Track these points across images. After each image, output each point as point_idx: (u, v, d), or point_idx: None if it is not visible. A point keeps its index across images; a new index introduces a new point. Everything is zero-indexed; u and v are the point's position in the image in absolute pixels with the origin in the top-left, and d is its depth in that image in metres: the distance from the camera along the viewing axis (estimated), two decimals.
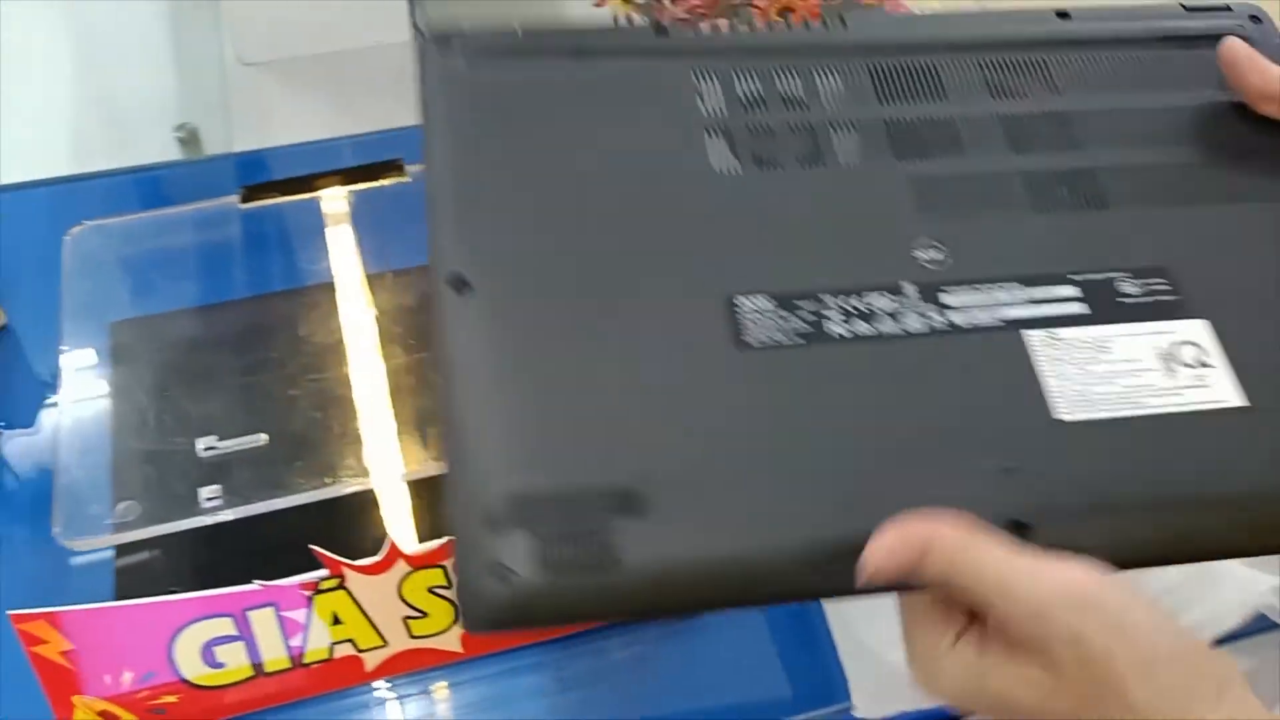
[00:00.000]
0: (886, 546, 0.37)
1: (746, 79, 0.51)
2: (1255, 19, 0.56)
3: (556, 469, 0.40)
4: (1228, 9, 0.56)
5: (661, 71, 0.51)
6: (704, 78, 0.51)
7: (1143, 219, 0.48)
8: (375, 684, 0.70)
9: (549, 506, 0.39)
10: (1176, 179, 0.50)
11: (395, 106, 1.05)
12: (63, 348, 0.75)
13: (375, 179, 0.82)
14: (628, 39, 0.52)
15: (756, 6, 0.72)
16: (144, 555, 0.73)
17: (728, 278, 0.45)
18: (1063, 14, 0.56)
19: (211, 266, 0.83)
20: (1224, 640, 0.65)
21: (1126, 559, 0.39)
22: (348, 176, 0.81)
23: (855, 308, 0.43)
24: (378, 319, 0.78)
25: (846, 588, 0.39)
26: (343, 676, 0.69)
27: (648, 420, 0.41)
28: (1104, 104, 0.52)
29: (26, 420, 0.80)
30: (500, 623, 0.38)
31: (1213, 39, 0.54)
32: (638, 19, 0.53)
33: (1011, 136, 0.51)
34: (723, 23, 0.52)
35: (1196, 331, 0.44)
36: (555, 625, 0.40)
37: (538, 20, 0.53)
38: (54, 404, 0.76)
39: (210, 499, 0.69)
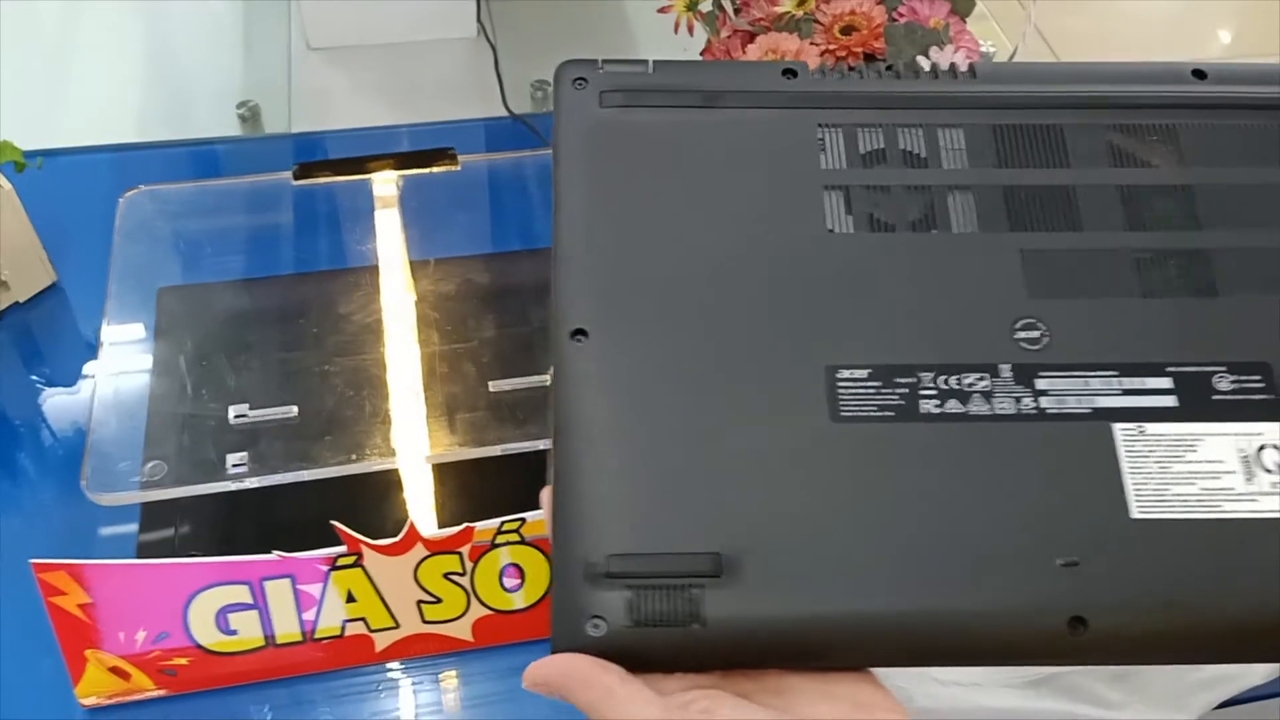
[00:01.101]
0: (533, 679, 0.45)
1: (870, 132, 0.55)
2: None
3: (654, 531, 0.46)
4: None
5: (788, 121, 0.55)
6: (829, 129, 0.55)
7: (1253, 309, 0.51)
8: (384, 666, 0.70)
9: (643, 565, 0.45)
10: None
11: (452, 100, 1.09)
12: (107, 309, 0.76)
13: (427, 165, 0.83)
14: (757, 79, 0.56)
15: (819, 23, 0.72)
16: (168, 518, 0.74)
17: (830, 345, 0.50)
18: (1199, 73, 0.57)
19: (261, 241, 0.88)
20: (1247, 699, 0.67)
21: (1178, 658, 0.40)
22: (400, 161, 0.85)
23: (950, 386, 0.47)
24: (417, 305, 0.80)
25: (904, 660, 0.45)
26: (352, 655, 0.72)
27: (740, 487, 0.47)
28: (1231, 178, 0.54)
29: (68, 379, 0.82)
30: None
31: None
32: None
33: (1129, 210, 0.53)
34: (857, 67, 0.53)
35: None
36: (643, 671, 0.45)
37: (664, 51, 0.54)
38: (95, 364, 0.80)
39: (236, 465, 0.73)
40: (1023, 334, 0.49)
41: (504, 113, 1.11)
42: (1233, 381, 0.49)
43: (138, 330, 0.84)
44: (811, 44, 0.74)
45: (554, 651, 0.44)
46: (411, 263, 0.87)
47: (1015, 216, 0.52)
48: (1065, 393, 0.48)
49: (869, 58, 0.75)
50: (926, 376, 0.48)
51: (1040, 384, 0.48)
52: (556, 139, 0.55)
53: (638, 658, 0.44)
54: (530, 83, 1.15)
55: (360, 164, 0.90)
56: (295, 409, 0.77)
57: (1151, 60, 0.57)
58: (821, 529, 0.46)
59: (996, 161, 0.54)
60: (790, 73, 0.56)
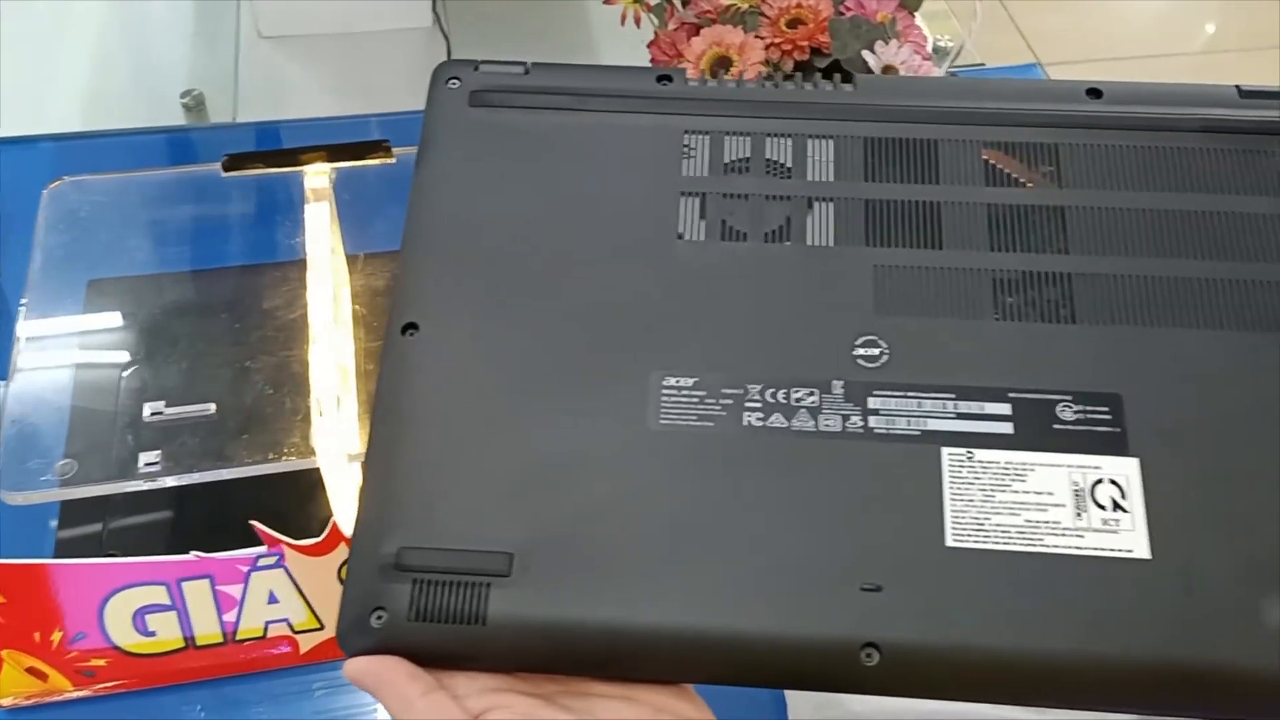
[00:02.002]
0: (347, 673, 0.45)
1: (738, 141, 0.54)
2: None
3: (452, 526, 0.46)
4: None
5: (657, 126, 0.55)
6: (696, 136, 0.54)
7: (1112, 339, 0.49)
8: (310, 668, 0.70)
9: (432, 559, 0.45)
10: (1165, 296, 0.50)
11: (406, 91, 1.09)
12: (23, 302, 0.77)
13: (360, 158, 0.83)
14: (633, 83, 0.56)
15: (765, 16, 0.71)
16: (88, 516, 0.74)
17: (661, 352, 0.49)
18: (1094, 92, 0.56)
19: (188, 233, 0.91)
20: None
21: (975, 696, 0.39)
22: (332, 153, 0.84)
23: (776, 400, 0.45)
24: (345, 300, 0.78)
25: (695, 675, 0.45)
26: (276, 657, 0.71)
27: (546, 488, 0.46)
28: (1108, 201, 0.52)
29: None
30: (371, 654, 0.44)
31: (1271, 132, 0.54)
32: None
33: (995, 230, 0.52)
34: (740, 74, 0.52)
35: (1124, 470, 0.46)
36: (430, 666, 0.45)
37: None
38: (11, 359, 0.82)
39: (149, 464, 0.72)
40: (862, 351, 0.48)
41: None
42: (1076, 411, 0.47)
43: (59, 324, 0.83)
44: (757, 37, 0.73)
45: (338, 641, 0.45)
46: (337, 258, 0.86)
47: (874, 231, 0.51)
48: (896, 413, 0.47)
49: (815, 52, 0.74)
50: (755, 389, 0.48)
51: (872, 403, 0.47)
52: (422, 137, 0.55)
53: (420, 652, 0.44)
54: None
55: (291, 156, 0.90)
56: (213, 406, 0.77)
57: (1047, 80, 0.56)
58: (619, 536, 0.45)
59: (864, 175, 0.53)
60: (666, 79, 0.56)
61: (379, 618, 0.44)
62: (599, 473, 0.46)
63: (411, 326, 0.50)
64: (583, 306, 0.50)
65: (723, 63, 0.72)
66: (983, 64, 1.14)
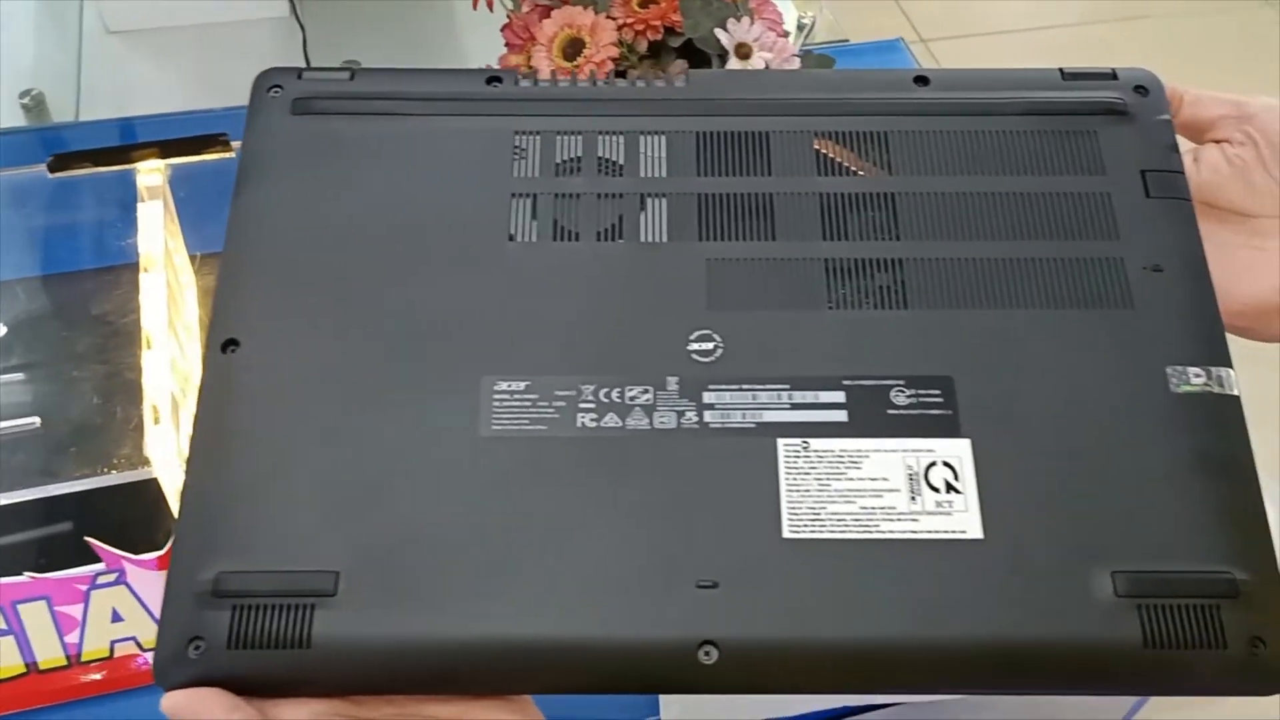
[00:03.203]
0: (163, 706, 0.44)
1: (569, 140, 0.54)
2: (1141, 89, 0.56)
3: (274, 548, 0.44)
4: (1112, 76, 0.57)
5: (487, 129, 0.54)
6: (527, 136, 0.54)
7: (942, 322, 0.50)
8: None
9: (252, 583, 0.44)
10: (993, 277, 0.51)
11: None
12: None
13: (197, 153, 0.80)
14: (461, 85, 0.55)
15: None
16: None
17: (492, 356, 0.48)
18: (921, 79, 0.56)
19: (13, 239, 0.84)
20: None
21: (819, 688, 0.40)
22: (166, 149, 0.80)
23: (610, 399, 0.45)
24: (189, 301, 0.76)
25: (531, 686, 0.44)
26: (128, 676, 0.68)
27: (373, 503, 0.45)
28: (936, 186, 0.53)
29: None
30: (190, 686, 0.43)
31: (1091, 112, 0.55)
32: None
33: (827, 220, 0.52)
34: (566, 72, 0.52)
35: (957, 452, 0.47)
36: (253, 696, 0.44)
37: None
38: None
39: None
40: (696, 346, 0.48)
41: None
42: (910, 396, 0.47)
43: None
44: (609, 17, 0.73)
45: (154, 675, 0.43)
46: (177, 259, 0.83)
47: (707, 225, 0.51)
48: (731, 407, 0.47)
49: (669, 31, 0.74)
50: (588, 389, 0.47)
51: (708, 397, 0.47)
52: (243, 148, 0.53)
53: (243, 681, 0.43)
54: (340, 63, 1.13)
55: (122, 153, 0.87)
56: (38, 420, 0.75)
57: (877, 70, 0.57)
58: (448, 548, 0.44)
59: (697, 169, 0.53)
60: (495, 80, 0.55)
61: (197, 648, 0.43)
62: (428, 484, 0.45)
63: (232, 343, 0.48)
64: (411, 315, 0.49)
65: (575, 45, 0.71)
66: (846, 40, 1.16)
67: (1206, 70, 2.13)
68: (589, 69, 0.69)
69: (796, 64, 0.75)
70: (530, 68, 0.74)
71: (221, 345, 0.48)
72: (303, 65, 1.08)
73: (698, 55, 0.73)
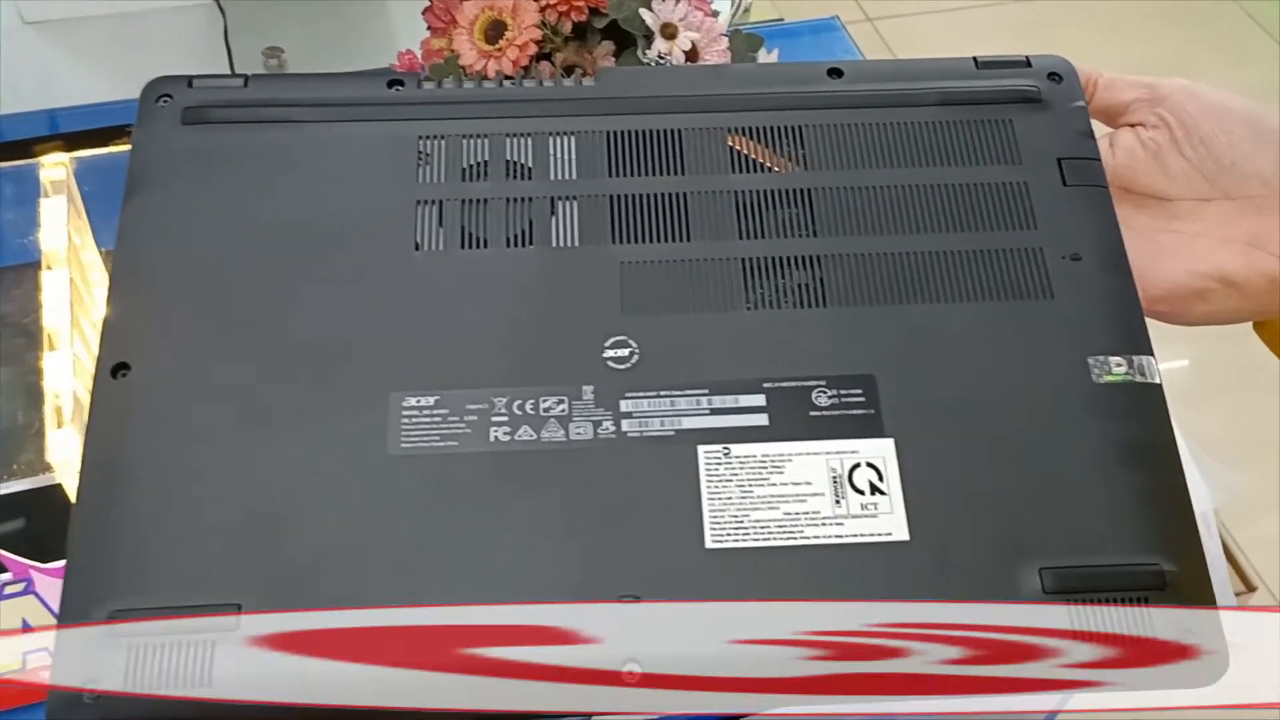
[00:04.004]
0: None
1: (475, 143, 0.52)
2: (1055, 76, 0.56)
3: (171, 582, 0.42)
4: (1026, 64, 0.56)
5: (389, 134, 0.52)
6: (432, 141, 0.52)
7: (861, 319, 0.49)
8: None
9: (146, 621, 0.42)
10: (911, 272, 0.50)
11: (184, 71, 1.02)
12: None
13: (103, 145, 0.77)
14: (362, 90, 0.53)
15: None
16: None
17: (400, 372, 0.47)
18: (835, 71, 0.55)
19: None
20: None
21: (739, 702, 0.39)
22: (70, 142, 0.77)
23: (524, 411, 0.43)
24: (87, 302, 0.74)
25: (453, 712, 0.42)
26: (42, 690, 0.66)
27: (277, 530, 0.43)
28: (853, 180, 0.52)
29: None
30: None
31: (1005, 101, 0.54)
32: None
33: (743, 218, 0.51)
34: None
35: (880, 452, 0.45)
36: None
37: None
38: None
39: None
40: (611, 353, 0.47)
41: None
42: (831, 396, 0.46)
43: None
44: None
45: None
46: (83, 255, 0.80)
47: (620, 228, 0.50)
48: (649, 414, 0.45)
49: (594, 12, 0.73)
50: (500, 402, 0.45)
51: (625, 406, 0.46)
52: (130, 162, 0.51)
53: None
54: (262, 50, 1.09)
55: (23, 148, 0.84)
56: None
57: (790, 63, 0.56)
58: (357, 574, 0.42)
59: (608, 170, 0.51)
60: (397, 83, 0.53)
61: (92, 692, 0.40)
62: (335, 507, 0.43)
63: (122, 367, 0.46)
64: (313, 332, 0.47)
65: (497, 27, 0.70)
66: (781, 20, 1.15)
67: (1155, 47, 2.16)
68: (511, 52, 0.67)
69: (724, 44, 0.74)
70: (452, 51, 0.72)
71: (111, 370, 0.46)
72: (225, 55, 1.07)
73: (624, 37, 0.72)
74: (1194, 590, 0.44)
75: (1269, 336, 0.57)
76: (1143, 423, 0.47)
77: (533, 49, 0.69)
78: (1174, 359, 1.79)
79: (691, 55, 0.73)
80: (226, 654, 0.41)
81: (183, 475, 0.44)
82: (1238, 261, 0.52)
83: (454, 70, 0.73)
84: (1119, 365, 0.48)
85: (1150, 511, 0.45)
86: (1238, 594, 1.36)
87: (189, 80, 0.53)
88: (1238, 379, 0.55)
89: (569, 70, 0.74)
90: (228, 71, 1.07)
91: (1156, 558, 0.44)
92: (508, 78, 0.54)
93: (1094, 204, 0.52)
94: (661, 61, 0.72)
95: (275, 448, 0.45)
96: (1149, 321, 0.51)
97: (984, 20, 2.19)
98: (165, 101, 0.52)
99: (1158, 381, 0.48)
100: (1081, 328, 0.48)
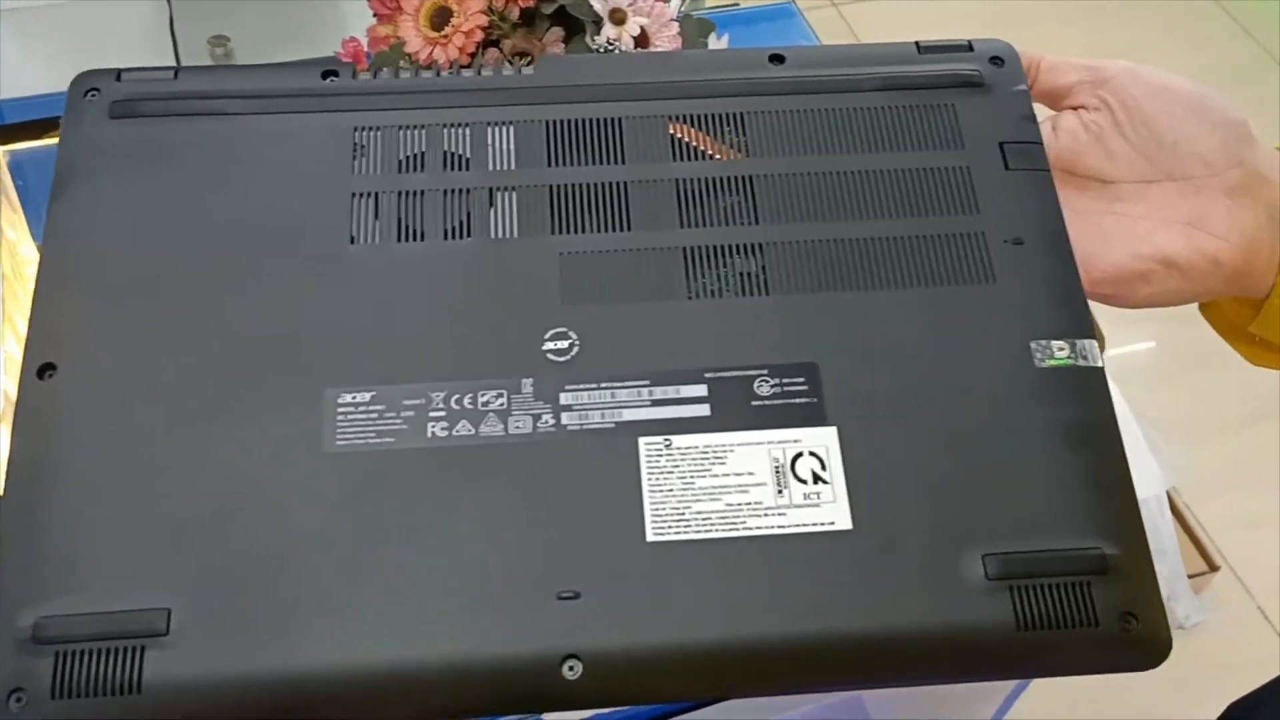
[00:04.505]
0: None
1: (412, 134, 0.51)
2: (997, 60, 0.55)
3: (99, 587, 0.42)
4: (969, 48, 0.56)
5: (324, 126, 0.51)
6: (367, 133, 0.51)
7: (804, 307, 0.48)
8: None
9: (77, 626, 0.41)
10: (853, 258, 0.49)
11: (129, 61, 1.00)
12: None
13: (37, 137, 0.76)
14: (296, 81, 0.52)
15: None
16: None
17: (336, 367, 0.46)
18: (777, 57, 0.55)
19: None
20: None
21: (681, 697, 0.39)
22: (6, 134, 0.76)
23: (462, 406, 0.43)
24: (19, 297, 0.72)
25: (387, 716, 0.42)
26: None
27: (210, 532, 0.43)
28: (794, 167, 0.52)
29: None
30: None
31: (947, 85, 0.54)
32: None
33: (685, 207, 0.51)
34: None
35: (823, 441, 0.45)
36: None
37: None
38: None
39: None
40: (551, 345, 0.46)
41: None
42: (774, 385, 0.46)
43: None
44: None
45: None
46: (22, 249, 0.79)
47: (560, 218, 0.49)
48: (590, 407, 0.45)
49: None
50: (438, 397, 0.45)
51: (565, 398, 0.45)
52: (57, 157, 0.50)
53: None
54: (208, 38, 1.08)
55: None
56: None
57: (732, 50, 0.55)
58: (292, 575, 0.42)
59: (547, 160, 0.51)
60: (332, 74, 0.52)
61: (18, 700, 0.40)
62: (268, 507, 0.43)
63: (49, 368, 0.45)
64: (247, 328, 0.46)
65: (443, 14, 0.69)
66: (736, 4, 1.14)
67: (1122, 34, 2.17)
68: (457, 39, 0.66)
69: (675, 29, 0.73)
70: (398, 39, 0.71)
71: (37, 371, 0.45)
72: (171, 44, 1.05)
73: (572, 22, 0.71)
74: (1136, 573, 0.44)
75: (1214, 318, 0.57)
76: (1085, 406, 0.47)
77: (479, 35, 0.68)
78: (1140, 340, 1.80)
79: (641, 40, 0.73)
80: (156, 659, 0.40)
81: (112, 477, 0.43)
82: (1179, 243, 0.52)
83: (399, 58, 0.73)
84: (1061, 349, 0.48)
85: (1091, 495, 0.45)
86: (1200, 574, 1.38)
87: (117, 74, 0.52)
88: (1201, 358, 0.55)
89: (518, 57, 0.73)
90: (173, 62, 1.06)
91: (1098, 541, 0.44)
92: (464, 67, 0.54)
93: (1036, 188, 0.52)
94: (611, 47, 0.72)
95: (207, 447, 0.44)
96: (1118, 308, 0.51)
97: (952, 7, 2.18)
98: (93, 95, 0.51)
99: (1099, 365, 0.48)
100: (1023, 312, 0.48)
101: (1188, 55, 2.13)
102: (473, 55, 0.69)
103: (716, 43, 0.79)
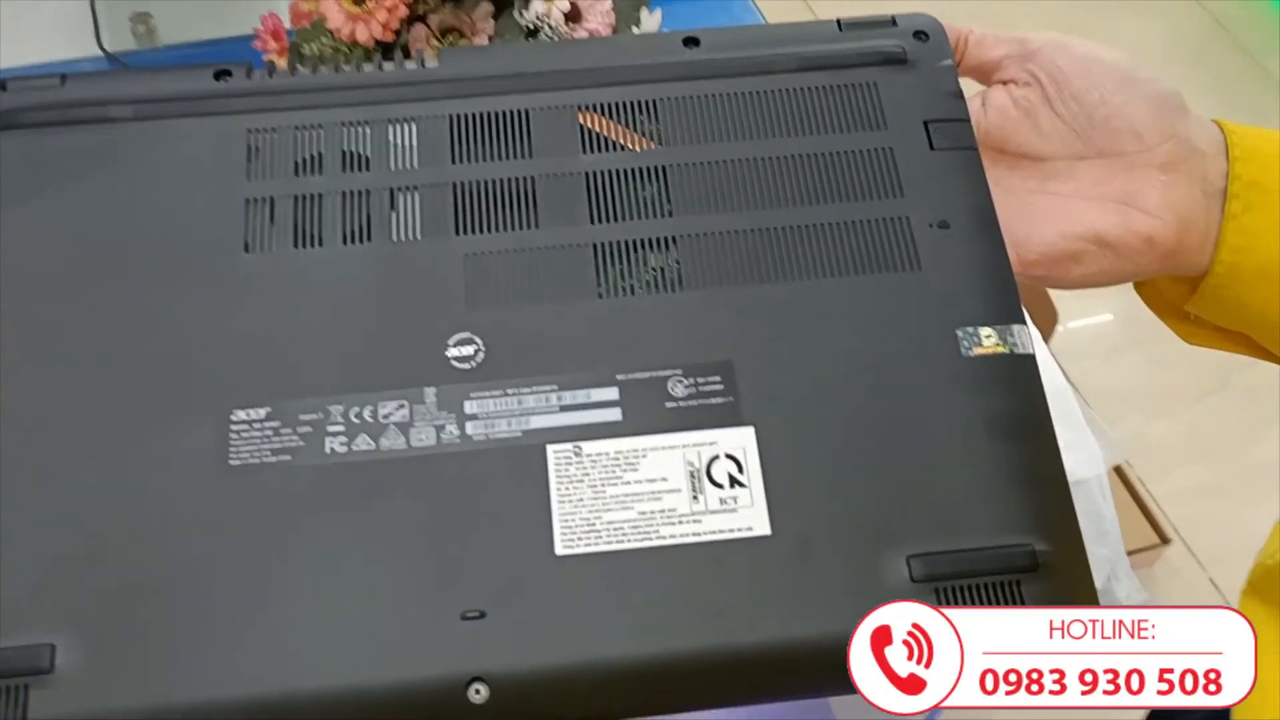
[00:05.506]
0: None
1: (309, 135, 0.49)
2: (921, 35, 0.53)
3: None
4: (892, 23, 0.54)
5: (215, 128, 0.49)
6: (261, 135, 0.49)
7: (719, 302, 0.47)
8: None
9: None
10: (771, 248, 0.48)
11: (48, 40, 0.98)
12: None
13: None
14: (186, 84, 0.50)
15: None
16: None
17: (229, 383, 0.44)
18: (691, 40, 0.53)
19: None
20: None
21: (595, 716, 0.38)
22: None
23: (361, 419, 0.41)
24: None
25: None
26: None
27: (95, 559, 0.41)
28: (713, 155, 0.50)
29: None
30: None
31: (869, 63, 0.52)
32: None
33: (595, 201, 0.49)
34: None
35: (740, 442, 0.43)
36: None
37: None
38: None
39: None
40: (455, 351, 0.44)
41: (99, 52, 1.04)
42: (688, 386, 0.44)
43: None
44: None
45: None
46: None
47: (464, 217, 0.47)
48: (496, 415, 0.43)
49: None
50: (336, 410, 0.43)
51: (469, 407, 0.43)
52: None
53: None
54: (129, 16, 1.06)
55: None
56: None
57: (644, 34, 0.54)
58: (184, 603, 0.40)
59: (451, 157, 0.49)
60: (224, 74, 0.50)
61: None
62: (158, 531, 0.41)
63: None
64: (134, 345, 0.44)
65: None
66: None
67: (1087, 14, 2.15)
68: (380, 14, 0.65)
69: (608, 4, 0.72)
70: (320, 14, 0.70)
71: None
72: (91, 23, 1.03)
73: None
74: (1068, 569, 0.43)
75: (1150, 296, 0.56)
76: (1014, 396, 0.45)
77: (403, 11, 0.66)
78: (1097, 313, 1.79)
79: (573, 16, 0.71)
80: (41, 699, 0.38)
81: None
82: (1111, 220, 0.50)
83: (321, 34, 0.71)
84: (989, 336, 0.46)
85: (1022, 489, 0.43)
86: (1151, 547, 1.37)
87: (2, 84, 0.50)
88: (1158, 329, 0.54)
89: (445, 33, 0.71)
90: (94, 41, 1.04)
91: (1028, 538, 0.42)
92: (386, 49, 0.52)
93: (963, 168, 0.50)
94: (540, 23, 0.70)
95: (92, 470, 0.42)
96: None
97: None
98: None
99: (1030, 352, 0.47)
100: (950, 299, 0.47)
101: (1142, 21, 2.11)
102: (397, 32, 0.67)
103: (649, 19, 0.77)
